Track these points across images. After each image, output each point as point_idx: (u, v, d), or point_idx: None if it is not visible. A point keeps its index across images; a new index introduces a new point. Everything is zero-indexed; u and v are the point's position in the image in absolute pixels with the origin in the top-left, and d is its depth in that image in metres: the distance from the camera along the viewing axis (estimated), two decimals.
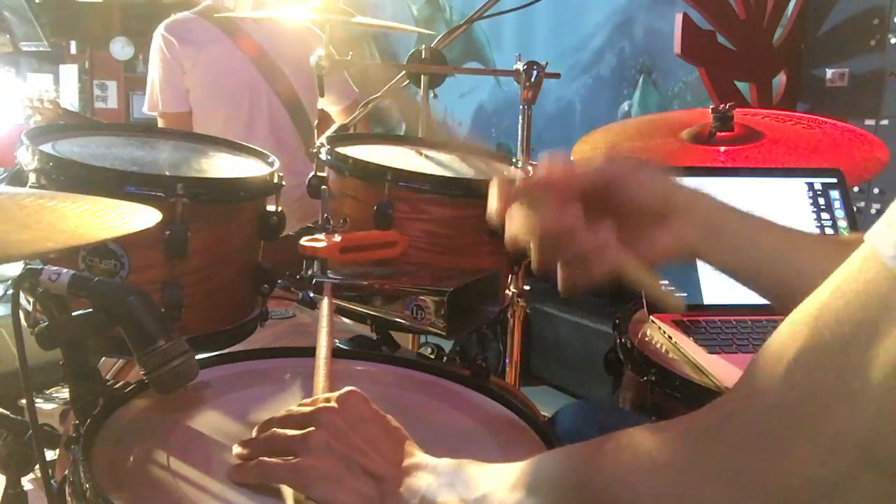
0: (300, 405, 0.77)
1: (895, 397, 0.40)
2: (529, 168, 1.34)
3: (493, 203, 0.73)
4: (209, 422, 0.84)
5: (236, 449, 0.75)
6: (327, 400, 0.74)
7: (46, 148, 1.00)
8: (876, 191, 2.81)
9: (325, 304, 1.03)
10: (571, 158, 0.74)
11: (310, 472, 0.69)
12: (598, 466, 0.55)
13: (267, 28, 2.35)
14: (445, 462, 0.69)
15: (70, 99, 5.77)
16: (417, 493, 0.67)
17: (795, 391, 0.44)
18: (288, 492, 0.71)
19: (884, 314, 0.40)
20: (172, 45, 2.30)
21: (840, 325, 0.42)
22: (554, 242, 0.69)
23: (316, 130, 2.28)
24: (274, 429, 0.74)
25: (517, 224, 0.71)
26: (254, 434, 0.76)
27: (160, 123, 2.39)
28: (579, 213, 0.67)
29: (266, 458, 0.71)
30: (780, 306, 0.70)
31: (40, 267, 0.78)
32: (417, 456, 0.71)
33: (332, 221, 1.20)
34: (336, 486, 0.68)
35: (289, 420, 0.74)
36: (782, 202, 1.30)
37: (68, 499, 0.72)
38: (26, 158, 0.97)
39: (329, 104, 2.58)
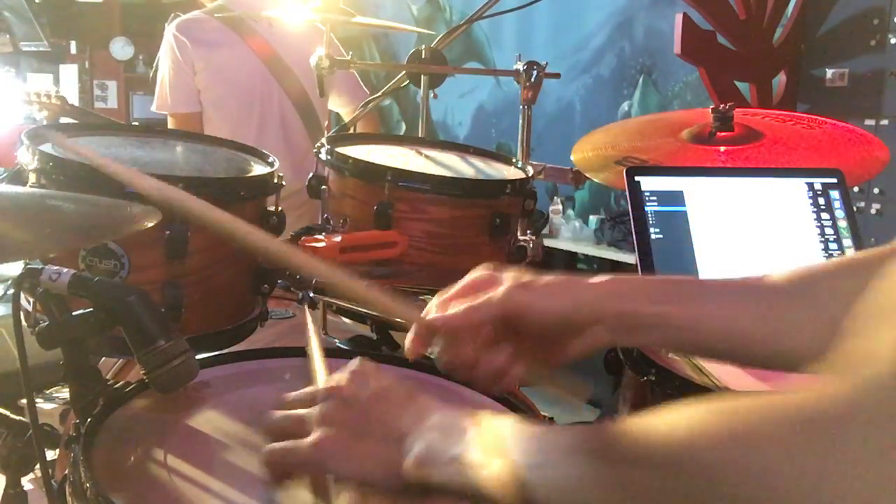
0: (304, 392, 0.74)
1: None
2: (529, 168, 1.34)
3: (408, 344, 0.79)
4: (209, 421, 0.84)
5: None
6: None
7: (46, 148, 1.00)
8: (876, 191, 2.81)
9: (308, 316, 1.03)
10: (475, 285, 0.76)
11: (324, 446, 0.65)
12: (707, 443, 0.46)
13: (278, 28, 2.34)
14: (480, 416, 0.62)
15: (70, 99, 5.77)
16: (446, 452, 0.60)
17: None
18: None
19: None
20: (184, 45, 2.29)
21: None
22: (458, 371, 0.77)
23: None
24: (280, 412, 0.71)
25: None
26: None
27: (169, 123, 2.38)
28: (478, 348, 0.74)
29: (273, 444, 0.68)
30: (747, 365, 0.75)
31: (40, 267, 0.79)
32: (442, 413, 0.65)
33: (332, 221, 1.21)
34: (355, 457, 0.64)
35: (296, 402, 0.71)
36: (782, 202, 1.30)
37: (68, 499, 0.72)
38: (26, 158, 0.97)
39: (340, 105, 2.57)
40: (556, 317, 0.72)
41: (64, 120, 5.69)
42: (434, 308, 0.76)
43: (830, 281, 0.70)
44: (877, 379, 0.41)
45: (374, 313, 1.13)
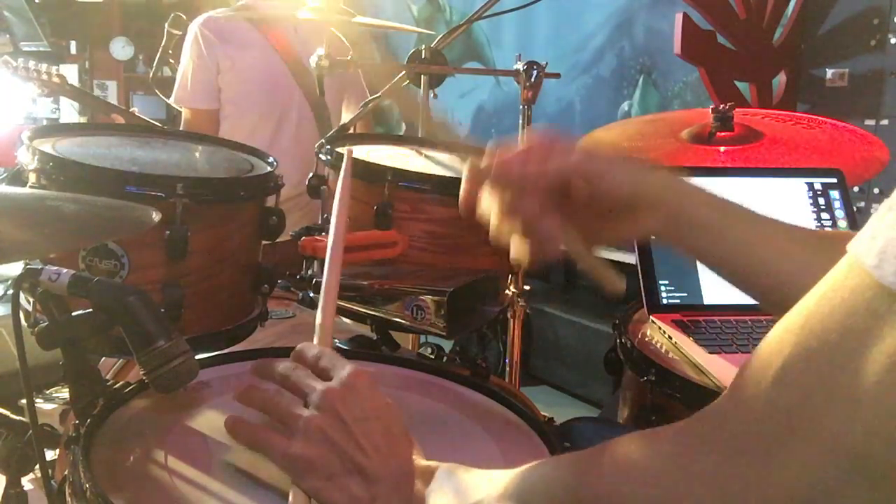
0: (305, 348, 0.77)
1: (885, 404, 0.39)
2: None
3: (463, 186, 0.78)
4: (209, 422, 0.84)
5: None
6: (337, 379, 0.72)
7: (46, 148, 1.00)
8: (876, 191, 2.81)
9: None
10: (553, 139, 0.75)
11: (301, 462, 0.68)
12: (591, 476, 0.55)
13: (301, 30, 2.34)
14: (440, 468, 0.68)
15: (70, 100, 5.77)
16: (409, 500, 0.67)
17: (784, 398, 0.44)
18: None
19: (871, 322, 0.40)
20: (211, 42, 2.28)
21: (826, 333, 0.42)
22: (508, 226, 0.76)
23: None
24: (276, 389, 0.73)
25: (484, 203, 0.77)
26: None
27: (185, 116, 2.38)
28: (534, 207, 0.73)
29: (263, 430, 0.71)
30: (750, 294, 0.75)
31: (40, 267, 0.78)
32: (415, 459, 0.70)
33: (332, 221, 1.20)
34: (325, 482, 0.67)
35: (291, 381, 0.73)
36: (782, 202, 1.30)
37: (68, 499, 0.72)
38: (26, 158, 0.97)
39: (349, 112, 2.57)
40: (624, 190, 0.72)
41: (63, 101, 5.69)
42: (497, 161, 0.74)
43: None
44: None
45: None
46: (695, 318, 1.23)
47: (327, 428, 0.68)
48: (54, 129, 1.12)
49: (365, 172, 1.18)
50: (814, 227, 1.28)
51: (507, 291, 1.39)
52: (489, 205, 0.76)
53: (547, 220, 0.73)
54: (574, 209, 0.74)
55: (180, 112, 2.43)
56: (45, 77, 2.55)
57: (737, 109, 1.55)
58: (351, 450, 0.67)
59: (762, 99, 3.03)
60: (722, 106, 1.54)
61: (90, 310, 0.78)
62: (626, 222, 0.74)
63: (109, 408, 0.82)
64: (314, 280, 1.12)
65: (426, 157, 1.35)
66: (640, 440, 0.53)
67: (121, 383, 0.87)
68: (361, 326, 1.23)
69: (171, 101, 2.41)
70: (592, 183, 0.72)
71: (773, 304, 0.72)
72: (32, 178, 0.98)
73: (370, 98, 1.75)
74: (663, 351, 1.18)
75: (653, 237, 0.76)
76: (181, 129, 2.39)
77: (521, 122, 1.61)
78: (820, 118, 1.60)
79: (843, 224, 1.29)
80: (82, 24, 6.07)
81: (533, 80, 1.59)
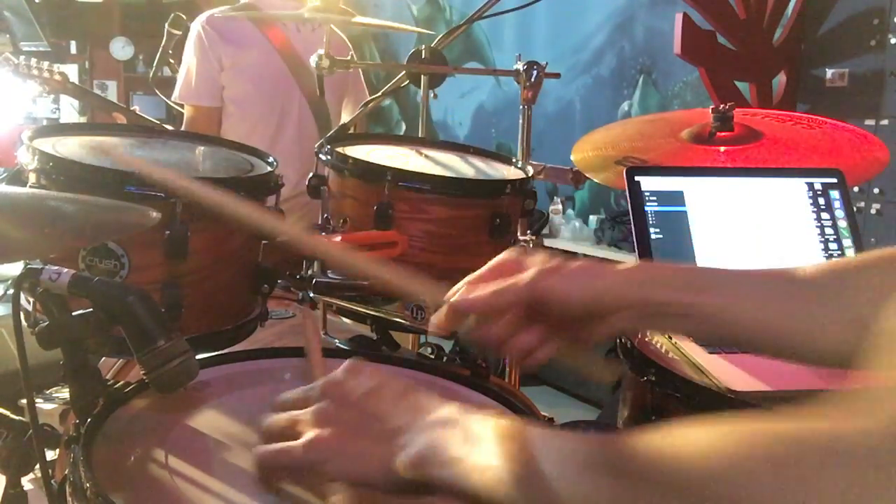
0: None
1: None
2: (529, 168, 1.34)
3: (436, 321, 0.79)
4: (209, 421, 0.84)
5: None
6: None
7: (46, 148, 1.00)
8: (876, 191, 2.81)
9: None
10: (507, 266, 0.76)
11: (317, 446, 0.63)
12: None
13: (304, 30, 2.34)
14: (490, 417, 0.60)
15: (70, 98, 5.77)
16: (450, 451, 0.58)
17: None
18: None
19: None
20: (215, 40, 2.29)
21: None
22: (486, 348, 0.77)
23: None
24: (274, 415, 0.69)
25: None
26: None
27: (188, 113, 2.38)
28: (501, 330, 0.74)
29: (267, 446, 0.66)
30: (749, 351, 0.74)
31: (40, 267, 0.78)
32: (446, 410, 0.63)
33: (332, 221, 1.21)
34: (349, 456, 0.62)
35: (291, 403, 0.70)
36: (782, 202, 1.30)
37: (68, 499, 0.72)
38: (26, 158, 0.97)
39: (350, 112, 2.57)
40: (580, 303, 0.72)
41: (63, 101, 5.69)
42: (462, 289, 0.76)
43: (860, 278, 0.70)
44: None
45: (394, 296, 1.11)
46: None
47: (335, 410, 0.65)
48: (54, 129, 1.12)
49: (365, 172, 1.19)
50: (814, 227, 1.28)
51: None
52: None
53: (520, 339, 0.74)
54: (548, 321, 0.74)
55: (181, 112, 2.43)
56: (46, 75, 2.54)
57: (737, 109, 1.55)
58: (370, 419, 0.64)
59: (762, 99, 3.03)
60: (722, 106, 1.53)
61: (90, 309, 0.78)
62: (600, 326, 0.74)
63: (109, 407, 0.82)
64: (314, 280, 1.13)
65: (426, 157, 1.35)
66: (793, 431, 0.45)
67: (121, 383, 0.87)
68: (361, 326, 1.23)
69: (173, 97, 2.41)
70: (549, 303, 0.72)
71: (796, 356, 0.73)
72: (32, 178, 0.98)
73: (370, 98, 1.75)
74: (663, 351, 1.18)
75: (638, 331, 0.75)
76: (183, 126, 2.39)
77: (521, 122, 1.61)
78: (820, 118, 1.60)
79: (842, 224, 1.29)
80: (82, 24, 6.07)
81: (533, 80, 1.59)
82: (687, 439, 0.48)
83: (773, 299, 0.71)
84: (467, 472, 0.56)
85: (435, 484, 0.58)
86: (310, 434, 0.64)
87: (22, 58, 2.51)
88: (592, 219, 3.95)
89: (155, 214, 0.80)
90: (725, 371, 1.06)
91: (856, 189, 2.75)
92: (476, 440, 0.58)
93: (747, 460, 0.44)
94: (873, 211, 2.83)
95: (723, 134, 1.54)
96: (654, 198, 1.27)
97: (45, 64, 2.56)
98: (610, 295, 0.72)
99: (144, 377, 0.79)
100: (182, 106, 2.41)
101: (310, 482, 0.67)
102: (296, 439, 0.65)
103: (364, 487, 0.64)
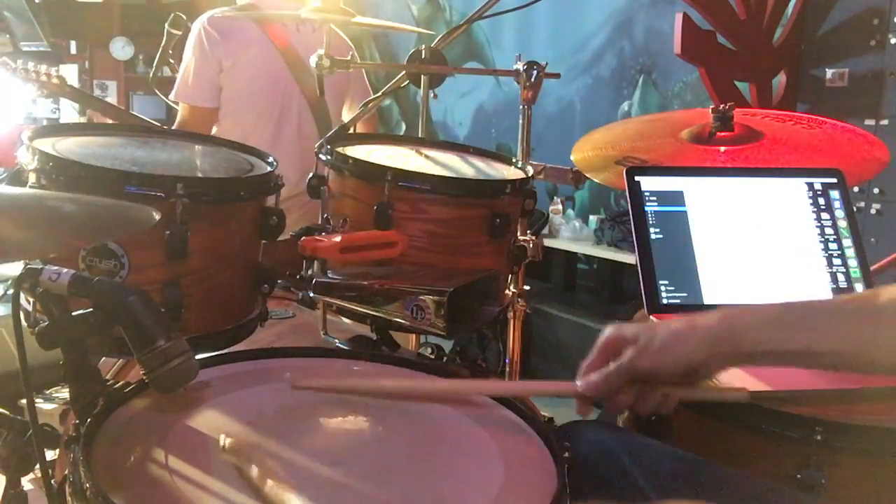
0: None
1: None
2: (529, 168, 1.34)
3: (578, 409, 0.93)
4: (209, 421, 0.84)
5: None
6: None
7: (46, 148, 1.00)
8: (876, 191, 2.81)
9: None
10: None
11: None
12: None
13: (304, 30, 2.34)
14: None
15: (70, 100, 5.77)
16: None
17: None
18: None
19: None
20: (215, 40, 2.28)
21: None
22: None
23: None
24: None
25: None
26: None
27: (181, 112, 2.37)
28: (625, 401, 0.88)
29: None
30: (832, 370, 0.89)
31: (40, 267, 0.78)
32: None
33: (332, 221, 1.21)
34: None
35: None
36: (782, 202, 1.30)
37: (68, 499, 0.72)
38: (26, 158, 0.97)
39: (351, 112, 2.57)
40: (674, 373, 0.84)
41: (63, 101, 5.68)
42: (581, 374, 0.89)
43: None
44: None
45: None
46: None
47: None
48: (54, 129, 1.11)
49: (365, 172, 1.18)
50: (814, 227, 1.28)
51: (507, 291, 1.39)
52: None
53: (645, 400, 0.87)
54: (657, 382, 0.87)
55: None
56: (44, 78, 2.53)
57: (737, 109, 1.55)
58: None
59: (762, 99, 3.03)
60: (722, 106, 1.53)
61: (90, 310, 0.78)
62: (706, 375, 0.88)
63: (109, 408, 0.82)
64: (314, 280, 1.12)
65: (426, 157, 1.35)
66: None
67: (121, 383, 0.87)
68: (361, 326, 1.23)
69: (170, 96, 2.40)
70: (649, 379, 0.85)
71: (877, 373, 0.87)
72: (32, 178, 0.98)
73: (371, 98, 1.75)
74: None
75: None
76: (175, 125, 2.38)
77: (521, 122, 1.61)
78: (820, 118, 1.60)
79: (842, 224, 1.29)
80: (82, 24, 6.07)
81: (533, 80, 1.58)
82: None
83: (856, 329, 0.81)
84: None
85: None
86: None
87: (20, 61, 2.50)
88: (592, 219, 3.96)
89: (155, 214, 0.80)
90: (725, 371, 1.06)
91: (856, 189, 2.75)
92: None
93: None
94: (873, 211, 2.83)
95: (723, 134, 1.54)
96: (654, 198, 1.27)
97: (43, 67, 2.55)
98: (698, 357, 0.83)
99: (144, 377, 0.79)
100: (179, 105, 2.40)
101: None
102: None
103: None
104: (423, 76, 1.73)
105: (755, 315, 0.84)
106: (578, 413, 0.92)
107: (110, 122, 2.51)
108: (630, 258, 3.53)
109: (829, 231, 1.28)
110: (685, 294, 1.24)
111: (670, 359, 0.83)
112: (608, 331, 0.89)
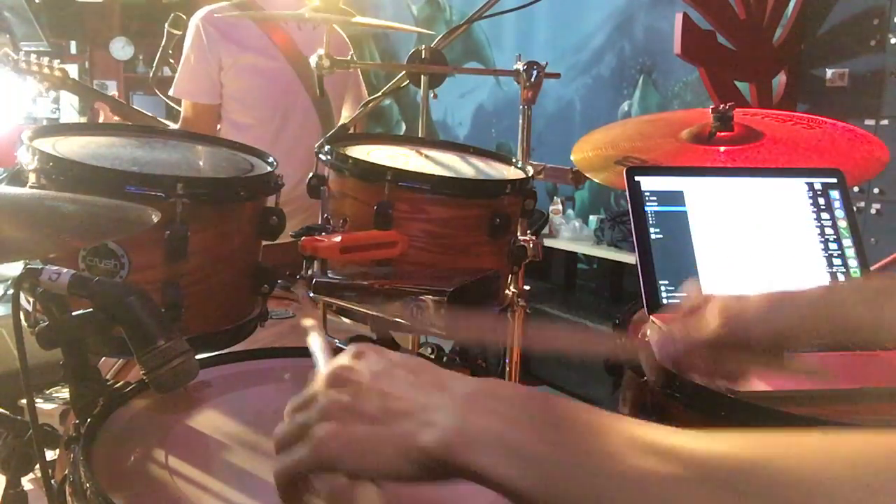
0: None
1: None
2: (529, 168, 1.34)
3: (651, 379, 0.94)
4: (209, 421, 0.84)
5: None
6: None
7: (46, 148, 1.00)
8: (876, 191, 2.81)
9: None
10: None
11: (329, 442, 0.53)
12: None
13: (305, 29, 2.33)
14: (514, 392, 0.52)
15: (70, 98, 5.77)
16: (503, 436, 0.49)
17: None
18: None
19: None
20: (214, 38, 2.26)
21: None
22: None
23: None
24: (281, 426, 0.58)
25: None
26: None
27: (185, 110, 2.36)
28: (702, 366, 0.89)
29: (277, 464, 0.55)
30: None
31: (40, 267, 0.78)
32: (493, 386, 0.53)
33: (332, 221, 1.21)
34: (365, 446, 0.52)
35: (296, 407, 0.58)
36: (782, 202, 1.30)
37: (68, 498, 0.72)
38: (26, 158, 0.97)
39: (349, 112, 2.56)
40: (772, 336, 0.82)
41: (63, 101, 5.68)
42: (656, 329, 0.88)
43: None
44: None
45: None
46: None
47: (343, 401, 0.55)
48: (54, 129, 1.12)
49: (365, 172, 1.18)
50: (814, 227, 1.28)
51: (507, 291, 1.39)
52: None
53: (722, 369, 0.87)
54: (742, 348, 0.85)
55: (180, 110, 2.42)
56: (46, 71, 2.53)
57: (737, 109, 1.55)
58: (378, 403, 0.54)
59: (762, 99, 3.03)
60: (722, 106, 1.53)
61: (90, 310, 0.78)
62: (790, 346, 0.86)
63: (109, 408, 0.82)
64: (314, 280, 1.12)
65: (426, 157, 1.35)
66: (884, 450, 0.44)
67: (121, 383, 0.87)
68: (361, 326, 1.23)
69: (170, 92, 2.39)
70: (741, 338, 0.83)
71: None
72: (32, 178, 0.98)
73: (370, 98, 1.75)
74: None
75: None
76: (179, 122, 2.38)
77: (520, 122, 1.61)
78: (820, 118, 1.60)
79: (842, 224, 1.29)
80: (82, 24, 6.08)
81: (533, 80, 1.58)
82: (788, 452, 0.45)
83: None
84: (527, 462, 0.48)
85: (472, 470, 0.49)
86: (318, 432, 0.54)
87: (21, 53, 2.50)
88: (592, 219, 3.96)
89: (155, 214, 0.80)
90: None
91: (856, 189, 2.75)
92: (516, 420, 0.50)
93: (840, 485, 0.42)
94: (873, 211, 2.83)
95: (723, 134, 1.54)
96: (654, 198, 1.27)
97: (45, 60, 2.55)
98: (800, 322, 0.82)
99: (144, 377, 0.79)
100: (179, 102, 2.39)
101: (337, 489, 0.55)
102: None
103: (389, 480, 0.53)
104: (423, 76, 1.73)
105: (856, 285, 0.88)
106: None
107: (113, 120, 2.51)
108: (630, 258, 3.53)
109: (829, 231, 1.28)
110: (685, 294, 1.24)
111: (769, 320, 0.82)
112: (690, 294, 0.91)
